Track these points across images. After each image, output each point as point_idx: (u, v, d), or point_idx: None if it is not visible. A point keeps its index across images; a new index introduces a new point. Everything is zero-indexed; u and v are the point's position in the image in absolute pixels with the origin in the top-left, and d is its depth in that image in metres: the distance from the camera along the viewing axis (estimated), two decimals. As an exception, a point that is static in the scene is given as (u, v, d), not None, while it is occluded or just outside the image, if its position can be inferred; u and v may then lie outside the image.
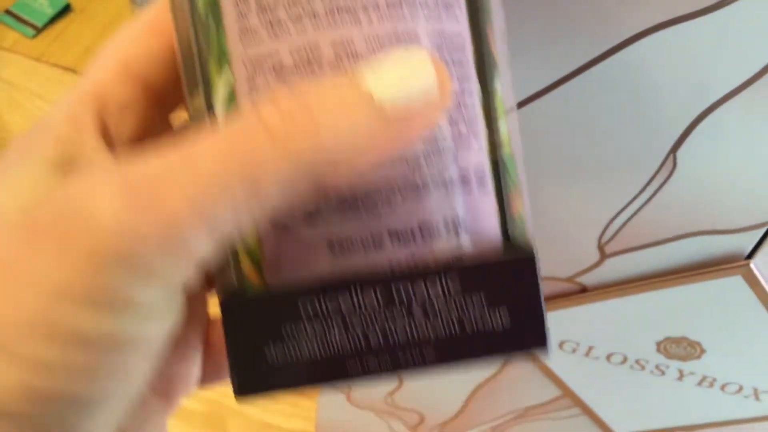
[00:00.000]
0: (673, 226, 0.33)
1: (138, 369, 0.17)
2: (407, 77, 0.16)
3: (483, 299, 0.18)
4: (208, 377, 0.23)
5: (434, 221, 0.19)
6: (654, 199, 0.32)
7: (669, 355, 0.40)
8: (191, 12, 0.19)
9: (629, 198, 0.32)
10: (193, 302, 0.22)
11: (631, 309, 0.37)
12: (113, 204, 0.15)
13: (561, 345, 0.42)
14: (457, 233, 0.19)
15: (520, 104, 0.29)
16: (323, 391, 0.54)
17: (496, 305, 0.18)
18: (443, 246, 0.19)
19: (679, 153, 0.30)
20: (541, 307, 0.19)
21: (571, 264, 0.37)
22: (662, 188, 0.31)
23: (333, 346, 0.18)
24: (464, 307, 0.18)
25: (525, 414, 0.50)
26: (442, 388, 0.50)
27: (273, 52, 0.18)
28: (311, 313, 0.18)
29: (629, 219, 0.33)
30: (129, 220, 0.15)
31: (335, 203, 0.18)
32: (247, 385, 0.19)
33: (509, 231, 0.20)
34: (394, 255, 0.18)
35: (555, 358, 0.43)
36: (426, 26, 0.18)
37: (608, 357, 0.42)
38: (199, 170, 0.15)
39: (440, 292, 0.18)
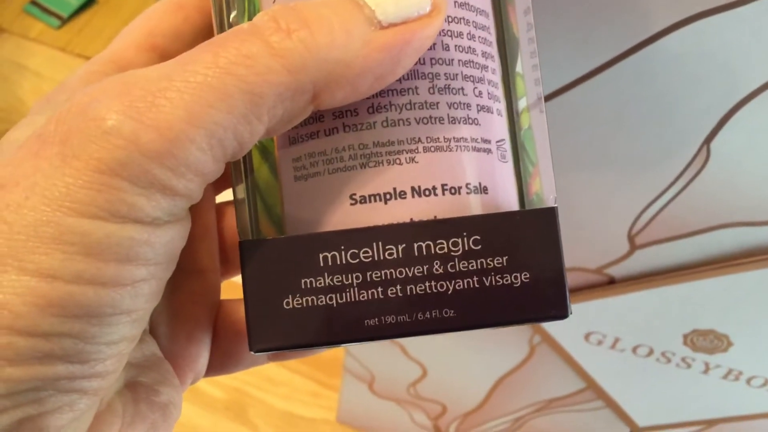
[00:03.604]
0: (705, 218, 0.33)
1: (144, 282, 0.17)
2: None
3: (503, 253, 0.18)
4: (215, 367, 0.23)
5: (457, 181, 0.19)
6: (687, 190, 0.32)
7: (695, 348, 0.40)
8: None
9: (661, 189, 0.32)
10: (204, 284, 0.23)
11: (659, 301, 0.37)
12: (112, 109, 0.15)
13: (587, 337, 0.42)
14: (477, 196, 0.19)
15: (554, 94, 0.30)
16: (344, 380, 0.54)
17: (516, 259, 0.18)
18: (464, 206, 0.19)
19: (713, 144, 0.30)
20: (561, 262, 0.18)
21: (600, 255, 0.37)
22: (695, 179, 0.31)
23: (351, 302, 0.18)
24: (484, 263, 0.18)
25: (548, 406, 0.50)
26: (464, 379, 0.50)
27: None
28: (331, 266, 0.18)
29: (661, 210, 0.33)
30: (128, 128, 0.15)
31: (358, 153, 0.18)
32: (262, 337, 0.18)
33: (526, 207, 0.20)
34: (416, 210, 0.18)
35: (580, 349, 0.43)
36: None
37: (634, 349, 0.42)
38: (197, 78, 0.16)
39: (460, 247, 0.18)
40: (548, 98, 0.30)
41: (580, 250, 0.37)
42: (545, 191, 0.20)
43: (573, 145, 0.31)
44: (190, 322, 0.22)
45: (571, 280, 0.39)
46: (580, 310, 0.40)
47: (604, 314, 0.40)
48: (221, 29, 0.20)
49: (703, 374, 0.42)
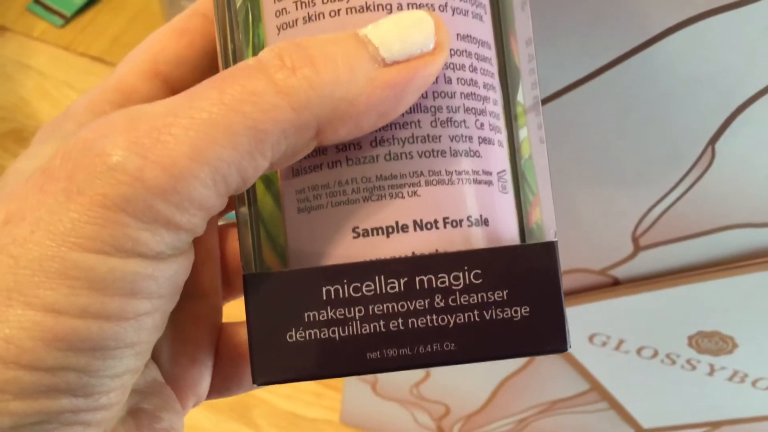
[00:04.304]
0: (710, 219, 0.33)
1: (148, 315, 0.17)
2: (405, 29, 0.17)
3: (504, 287, 0.18)
4: (216, 389, 0.23)
5: (458, 214, 0.19)
6: (691, 191, 0.32)
7: (700, 350, 0.40)
8: (229, 7, 0.20)
9: (666, 189, 0.32)
10: (206, 306, 0.23)
11: (664, 303, 0.37)
12: (118, 145, 0.15)
13: (591, 338, 0.42)
14: (478, 229, 0.19)
15: (558, 94, 0.30)
16: (347, 381, 0.54)
17: (516, 293, 0.18)
18: (465, 239, 0.19)
19: (718, 145, 0.30)
20: (560, 297, 0.18)
21: (604, 256, 0.37)
22: (700, 180, 0.31)
23: (354, 335, 0.18)
24: (485, 297, 0.18)
25: (552, 407, 0.50)
26: (468, 380, 0.50)
27: None
28: (334, 299, 0.18)
29: (665, 211, 0.33)
30: (133, 164, 0.15)
31: (361, 186, 0.19)
32: (266, 370, 0.19)
33: (526, 239, 0.20)
34: (417, 243, 0.19)
35: (584, 351, 0.43)
36: (456, 28, 0.19)
37: (639, 351, 0.41)
38: (202, 115, 0.16)
39: (461, 281, 0.18)
40: (552, 98, 0.30)
41: (584, 251, 0.37)
42: (545, 221, 0.20)
43: (577, 145, 0.31)
44: (192, 346, 0.22)
45: (576, 281, 0.39)
46: (584, 311, 0.39)
47: (608, 316, 0.39)
48: (225, 55, 0.20)
49: (708, 376, 0.42)
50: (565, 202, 0.33)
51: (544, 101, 0.30)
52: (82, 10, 0.82)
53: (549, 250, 0.19)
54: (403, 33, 0.17)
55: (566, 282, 0.39)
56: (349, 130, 0.17)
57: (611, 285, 0.38)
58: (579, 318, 0.40)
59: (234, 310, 0.23)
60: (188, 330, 0.22)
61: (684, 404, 0.45)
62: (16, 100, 0.75)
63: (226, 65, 0.20)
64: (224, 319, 0.24)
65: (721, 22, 0.25)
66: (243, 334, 0.23)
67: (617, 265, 0.37)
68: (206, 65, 0.22)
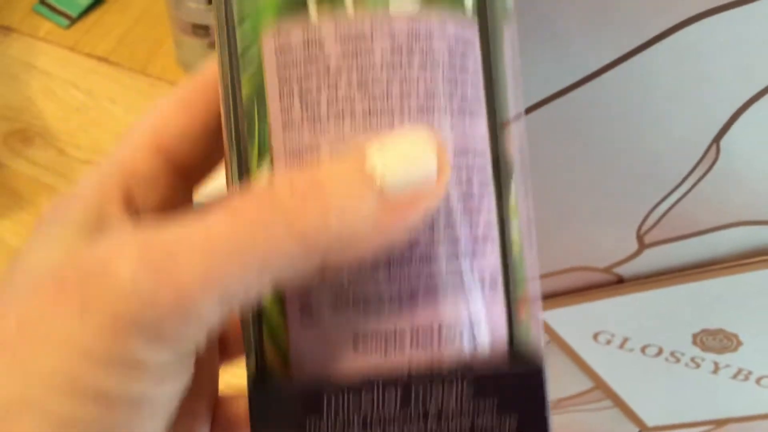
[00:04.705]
0: (715, 216, 0.33)
1: (154, 423, 0.18)
2: (410, 163, 0.18)
3: (493, 405, 0.19)
4: None
5: (450, 324, 0.20)
6: (696, 189, 0.32)
7: (705, 348, 0.40)
8: (235, 102, 0.20)
9: (671, 187, 0.32)
10: (203, 377, 0.23)
11: (669, 300, 0.37)
12: (132, 268, 0.16)
13: (595, 336, 0.42)
14: (470, 337, 0.20)
15: (563, 92, 0.30)
16: None
17: (505, 412, 0.19)
18: (457, 349, 0.20)
19: (723, 142, 0.30)
20: (546, 418, 0.19)
21: (608, 254, 0.37)
22: (705, 177, 0.31)
23: None
24: (476, 412, 0.19)
25: (556, 406, 0.50)
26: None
27: (313, 146, 0.19)
28: (334, 408, 0.19)
29: (670, 209, 0.33)
30: (146, 286, 0.16)
31: (362, 299, 0.19)
32: None
33: (514, 335, 0.21)
34: (412, 356, 0.19)
35: (588, 349, 0.43)
36: (451, 133, 0.20)
37: (643, 349, 0.41)
38: (214, 242, 0.16)
39: (454, 396, 0.19)
40: (557, 95, 0.30)
41: (589, 248, 0.37)
42: (533, 324, 0.21)
43: (581, 142, 0.31)
44: (190, 419, 0.23)
45: (580, 279, 0.39)
46: (588, 309, 0.39)
47: (612, 314, 0.40)
48: (230, 145, 0.20)
49: (713, 374, 0.42)
50: (570, 199, 0.33)
51: (549, 99, 0.30)
52: (87, 10, 0.82)
53: (538, 375, 0.19)
54: (407, 166, 0.18)
55: (570, 280, 0.39)
56: (353, 260, 0.18)
57: (616, 283, 0.38)
58: (583, 316, 0.40)
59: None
60: (186, 403, 0.23)
61: (688, 402, 0.45)
62: (21, 100, 0.76)
63: (231, 159, 0.20)
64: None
65: (727, 18, 0.25)
66: (239, 406, 0.24)
67: (622, 263, 0.37)
68: (208, 140, 0.22)
